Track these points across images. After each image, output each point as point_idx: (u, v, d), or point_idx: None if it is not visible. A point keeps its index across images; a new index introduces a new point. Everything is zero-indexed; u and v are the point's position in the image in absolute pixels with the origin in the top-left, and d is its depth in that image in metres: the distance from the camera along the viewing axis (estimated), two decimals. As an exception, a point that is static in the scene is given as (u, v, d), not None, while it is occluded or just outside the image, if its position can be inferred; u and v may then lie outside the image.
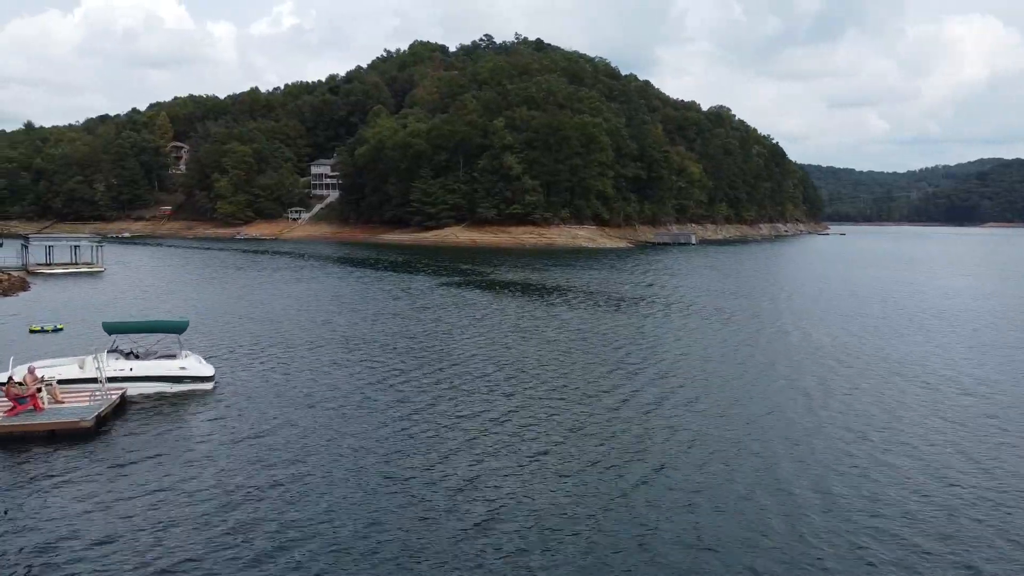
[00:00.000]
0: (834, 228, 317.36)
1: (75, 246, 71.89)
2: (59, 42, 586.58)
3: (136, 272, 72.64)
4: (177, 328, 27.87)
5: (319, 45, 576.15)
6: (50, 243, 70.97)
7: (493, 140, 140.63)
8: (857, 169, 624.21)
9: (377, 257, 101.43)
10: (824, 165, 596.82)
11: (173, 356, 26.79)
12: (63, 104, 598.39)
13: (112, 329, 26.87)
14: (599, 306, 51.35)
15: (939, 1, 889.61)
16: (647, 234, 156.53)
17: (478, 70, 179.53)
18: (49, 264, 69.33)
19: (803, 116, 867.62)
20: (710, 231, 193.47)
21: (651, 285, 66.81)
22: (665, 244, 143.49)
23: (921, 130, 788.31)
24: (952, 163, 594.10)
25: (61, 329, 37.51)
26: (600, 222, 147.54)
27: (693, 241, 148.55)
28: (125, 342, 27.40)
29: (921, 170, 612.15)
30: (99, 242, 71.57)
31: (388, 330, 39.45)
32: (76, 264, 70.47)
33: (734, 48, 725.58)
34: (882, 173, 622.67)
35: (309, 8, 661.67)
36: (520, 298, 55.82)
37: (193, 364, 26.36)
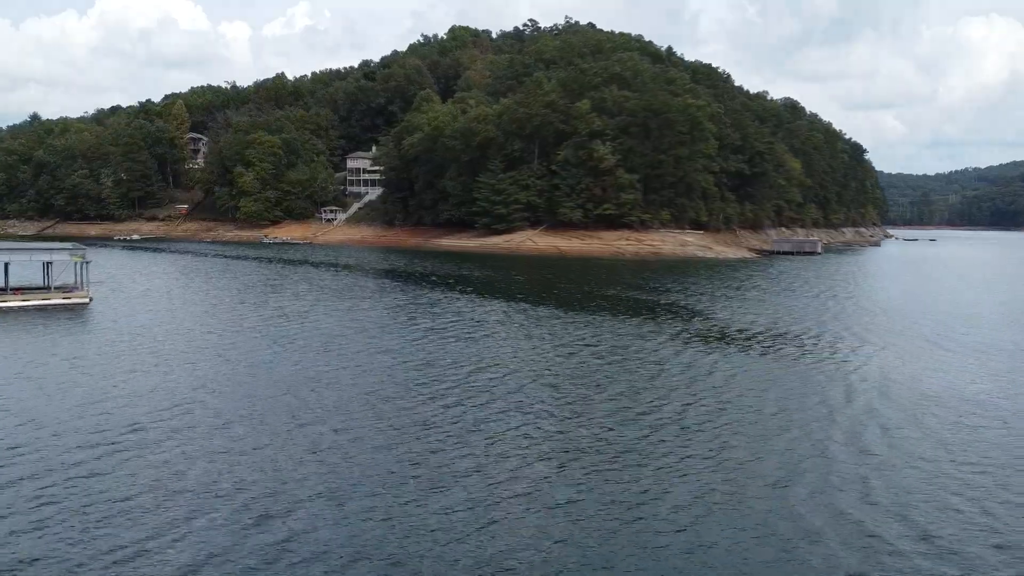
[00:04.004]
0: (893, 232, 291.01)
1: (47, 262, 47.43)
2: (76, 42, 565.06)
3: (135, 303, 48.26)
4: None
5: (334, 46, 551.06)
6: (7, 257, 45.99)
7: (577, 126, 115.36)
8: (885, 172, 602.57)
9: (450, 272, 76.51)
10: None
11: None
12: (82, 104, 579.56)
13: None
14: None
15: (955, 2, 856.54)
16: (749, 239, 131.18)
17: (542, 48, 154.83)
18: (3, 291, 44.88)
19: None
20: (800, 236, 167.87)
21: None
22: (786, 253, 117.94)
23: (939, 132, 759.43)
24: (982, 165, 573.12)
25: None
26: (696, 225, 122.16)
27: (819, 250, 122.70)
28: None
29: (951, 172, 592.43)
30: (83, 256, 47.16)
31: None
32: (47, 291, 46.08)
33: (749, 50, 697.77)
34: (912, 175, 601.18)
35: (323, 8, 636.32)
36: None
37: None
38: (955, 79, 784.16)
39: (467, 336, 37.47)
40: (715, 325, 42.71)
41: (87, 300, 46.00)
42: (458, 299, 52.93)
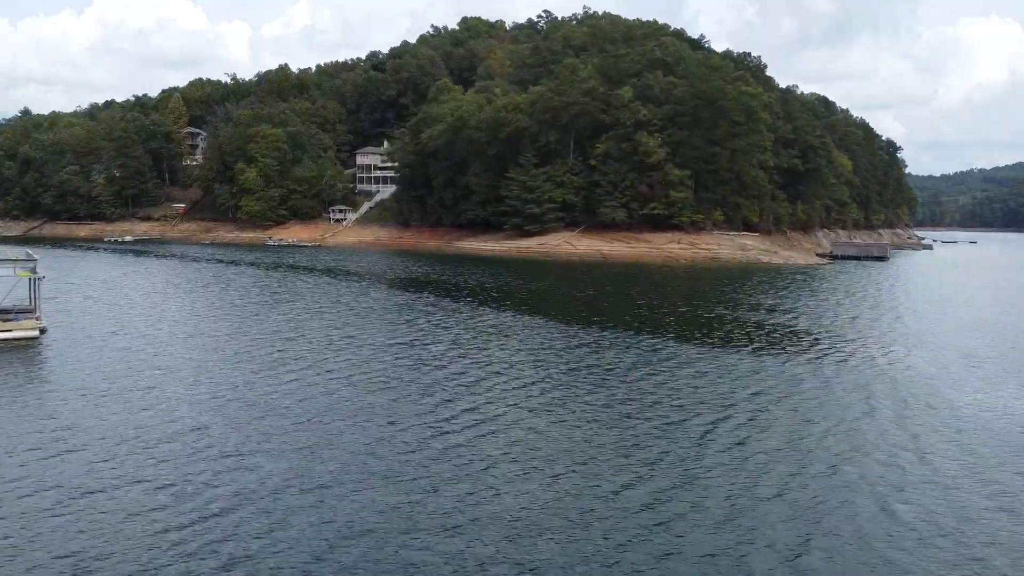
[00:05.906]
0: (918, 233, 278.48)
1: (-14, 279, 35.13)
2: (74, 42, 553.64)
3: (105, 337, 35.87)
4: None
5: (333, 46, 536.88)
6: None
7: (619, 115, 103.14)
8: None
9: (493, 283, 64.13)
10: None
11: None
12: (80, 103, 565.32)
13: None
14: None
15: (954, 3, 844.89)
16: (802, 242, 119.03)
17: (569, 34, 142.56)
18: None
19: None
20: (843, 238, 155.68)
21: None
22: (851, 258, 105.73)
23: (938, 133, 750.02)
24: (985, 166, 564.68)
25: None
26: (747, 227, 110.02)
27: (888, 254, 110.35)
28: None
29: (956, 173, 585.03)
30: (34, 270, 34.81)
31: None
32: (-15, 317, 34.05)
33: (748, 50, 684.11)
34: (919, 176, 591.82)
35: (322, 8, 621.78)
36: None
37: None
38: (954, 80, 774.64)
39: (610, 401, 25.21)
40: (911, 366, 30.48)
41: (37, 332, 33.72)
42: (538, 326, 40.45)
